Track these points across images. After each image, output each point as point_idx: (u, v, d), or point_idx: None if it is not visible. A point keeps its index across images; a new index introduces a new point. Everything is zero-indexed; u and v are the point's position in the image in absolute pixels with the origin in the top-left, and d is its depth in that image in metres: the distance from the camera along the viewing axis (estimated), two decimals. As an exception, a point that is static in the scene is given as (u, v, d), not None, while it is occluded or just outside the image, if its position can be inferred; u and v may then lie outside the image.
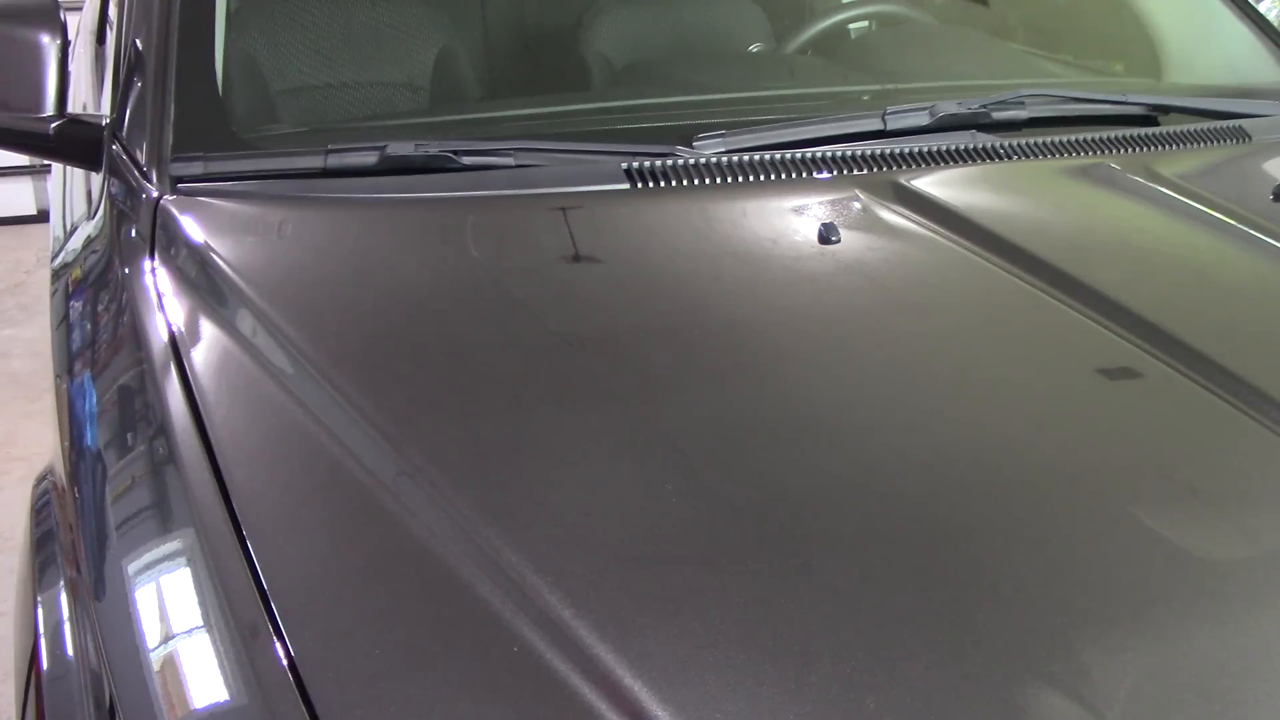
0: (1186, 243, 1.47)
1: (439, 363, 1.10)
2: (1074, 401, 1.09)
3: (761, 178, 1.43)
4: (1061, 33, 2.29)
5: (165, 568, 0.92)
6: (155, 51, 1.45)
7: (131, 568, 0.93)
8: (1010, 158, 1.54)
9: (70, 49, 2.34)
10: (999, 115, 1.60)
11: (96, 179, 1.55)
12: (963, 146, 1.53)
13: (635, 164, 1.40)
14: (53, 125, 1.49)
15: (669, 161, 1.41)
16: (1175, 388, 1.10)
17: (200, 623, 0.85)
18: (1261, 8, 2.44)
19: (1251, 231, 1.43)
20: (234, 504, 0.91)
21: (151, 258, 1.25)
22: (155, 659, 0.85)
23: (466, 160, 1.37)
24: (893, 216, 1.37)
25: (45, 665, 1.00)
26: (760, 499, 0.93)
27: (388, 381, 1.06)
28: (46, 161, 2.37)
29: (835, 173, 1.46)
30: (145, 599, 0.90)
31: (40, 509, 1.27)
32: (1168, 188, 1.52)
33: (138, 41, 1.51)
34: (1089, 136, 1.61)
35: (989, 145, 1.54)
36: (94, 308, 1.34)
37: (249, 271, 1.19)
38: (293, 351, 1.07)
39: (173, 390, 1.06)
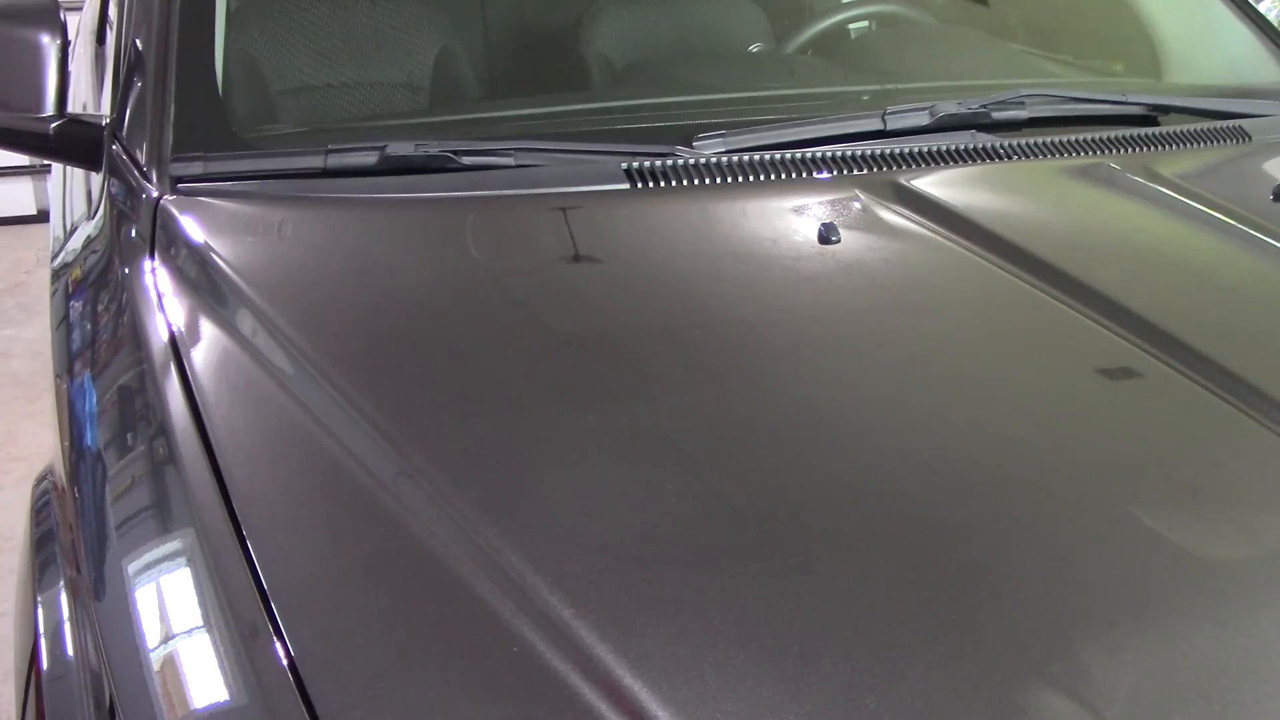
0: (1186, 243, 1.47)
1: (439, 363, 1.10)
2: (1074, 401, 1.09)
3: (761, 178, 1.43)
4: (1061, 33, 2.29)
5: (165, 568, 0.92)
6: (155, 51, 1.45)
7: (131, 568, 0.93)
8: (1010, 158, 1.54)
9: (70, 49, 2.34)
10: (999, 115, 1.60)
11: (96, 179, 1.55)
12: (963, 146, 1.53)
13: (635, 164, 1.40)
14: (53, 125, 1.49)
15: (669, 161, 1.41)
16: (1175, 388, 1.10)
17: (200, 623, 0.85)
18: (1261, 8, 2.44)
19: (1251, 231, 1.43)
20: (234, 504, 0.91)
21: (151, 258, 1.25)
22: (155, 659, 0.85)
23: (466, 160, 1.37)
24: (893, 216, 1.37)
25: (45, 665, 1.00)
26: (760, 499, 0.93)
27: (388, 381, 1.05)
28: (46, 161, 2.37)
29: (835, 173, 1.46)
30: (145, 599, 0.90)
31: (40, 509, 1.27)
32: (1168, 188, 1.52)
33: (138, 41, 1.51)
34: (1089, 136, 1.61)
35: (989, 145, 1.54)
36: (94, 308, 1.34)
37: (249, 271, 1.19)
38: (293, 351, 1.07)
39: (173, 390, 1.06)
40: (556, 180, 1.39)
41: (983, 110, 1.59)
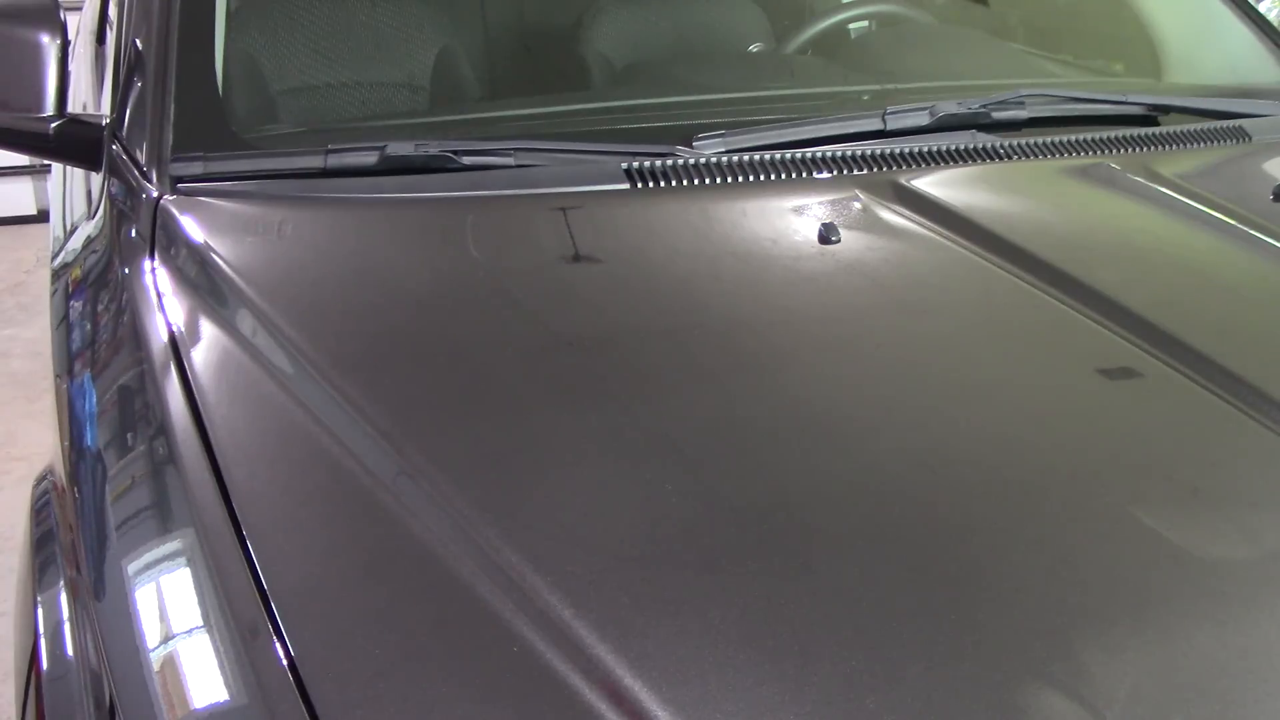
0: (1186, 243, 1.47)
1: (439, 363, 1.10)
2: (1074, 401, 1.09)
3: (761, 178, 1.43)
4: (1061, 33, 2.29)
5: (165, 568, 0.92)
6: (155, 51, 1.45)
7: (131, 568, 0.93)
8: (1010, 158, 1.54)
9: (70, 49, 2.34)
10: (999, 115, 1.60)
11: (96, 179, 1.55)
12: (963, 146, 1.53)
13: (635, 164, 1.40)
14: (53, 125, 1.49)
15: (669, 161, 1.41)
16: (1175, 387, 1.10)
17: (200, 623, 0.85)
18: (1262, 8, 2.44)
19: (1251, 231, 1.43)
20: (234, 504, 0.91)
21: (151, 258, 1.25)
22: (155, 659, 0.85)
23: (466, 160, 1.37)
24: (893, 216, 1.37)
25: (45, 665, 1.00)
26: (760, 499, 0.93)
27: (388, 381, 1.05)
28: (46, 161, 2.37)
29: (835, 173, 1.46)
30: (145, 599, 0.90)
31: (40, 509, 1.27)
32: (1168, 188, 1.52)
33: (138, 41, 1.51)
34: (1089, 136, 1.61)
35: (989, 145, 1.54)
36: (94, 308, 1.34)
37: (249, 271, 1.19)
38: (293, 351, 1.07)
39: (173, 390, 1.06)
40: (556, 180, 1.39)
41: (983, 110, 1.59)
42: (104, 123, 1.54)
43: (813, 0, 2.36)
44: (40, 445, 3.22)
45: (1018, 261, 1.28)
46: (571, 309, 1.20)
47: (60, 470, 1.19)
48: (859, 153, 1.48)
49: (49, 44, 1.48)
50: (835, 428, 1.04)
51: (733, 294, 1.23)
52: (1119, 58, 2.19)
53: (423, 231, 1.33)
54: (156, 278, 1.22)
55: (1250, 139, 1.70)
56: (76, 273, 1.47)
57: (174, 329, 1.14)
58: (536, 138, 1.44)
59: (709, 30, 2.13)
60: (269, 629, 0.81)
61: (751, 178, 1.42)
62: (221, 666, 0.81)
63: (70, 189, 1.85)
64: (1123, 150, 1.61)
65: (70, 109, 1.54)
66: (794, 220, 1.37)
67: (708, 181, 1.40)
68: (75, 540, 1.05)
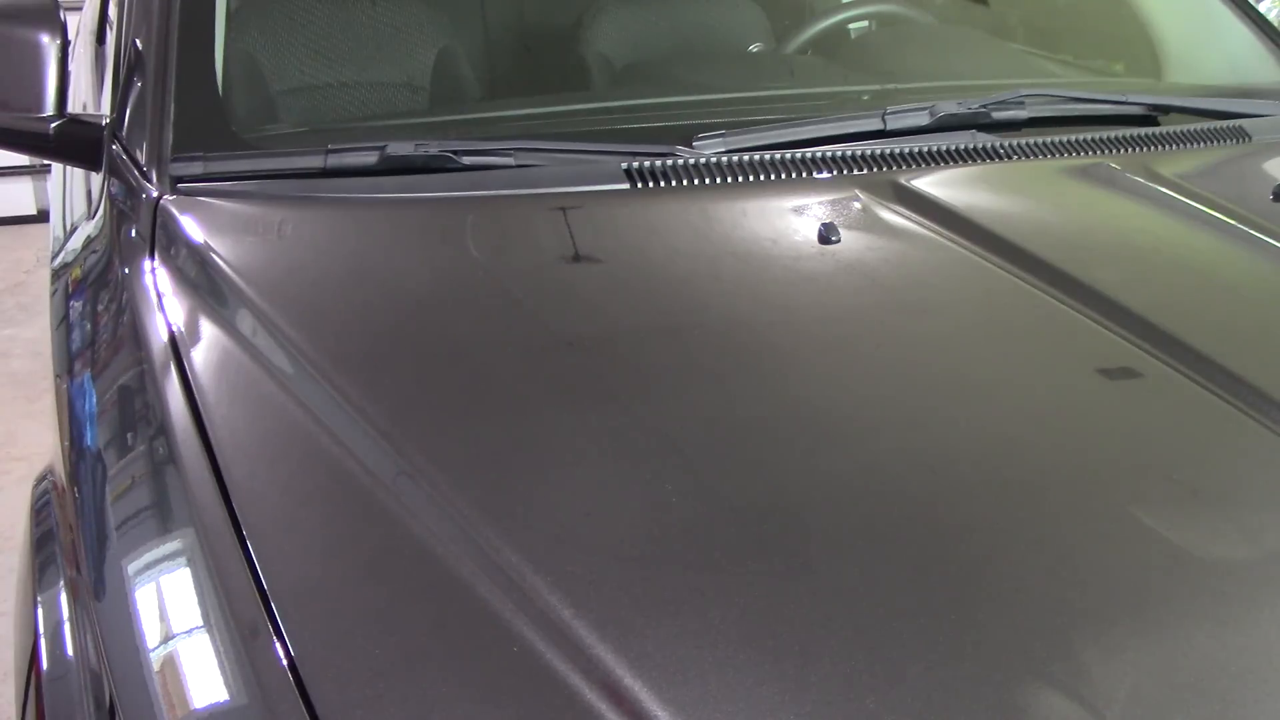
0: (1186, 243, 1.47)
1: (439, 363, 1.10)
2: (1074, 401, 1.09)
3: (761, 178, 1.43)
4: (1061, 33, 2.29)
5: (165, 568, 0.92)
6: (155, 51, 1.45)
7: (131, 568, 0.93)
8: (1010, 158, 1.54)
9: (70, 49, 2.34)
10: (999, 115, 1.60)
11: (96, 179, 1.55)
12: (963, 146, 1.53)
13: (635, 164, 1.40)
14: (53, 125, 1.49)
15: (669, 161, 1.41)
16: (1175, 388, 1.10)
17: (200, 623, 0.85)
18: (1262, 8, 2.44)
19: (1251, 231, 1.43)
20: (234, 504, 0.91)
21: (151, 258, 1.25)
22: (155, 659, 0.85)
23: (466, 160, 1.37)
24: (893, 216, 1.37)
25: (45, 665, 1.00)
26: (760, 499, 0.93)
27: (388, 381, 1.05)
28: (46, 161, 2.37)
29: (835, 173, 1.46)
30: (145, 599, 0.90)
31: (40, 509, 1.27)
32: (1168, 188, 1.52)
33: (138, 41, 1.51)
34: (1089, 136, 1.61)
35: (989, 145, 1.54)
36: (94, 308, 1.34)
37: (249, 271, 1.19)
38: (293, 351, 1.07)
39: (173, 390, 1.06)
40: (556, 180, 1.39)
41: (983, 110, 1.59)
42: (104, 123, 1.54)
43: (813, 0, 2.36)
44: (40, 445, 3.22)
45: (1018, 261, 1.28)
46: (571, 309, 1.20)
47: (60, 470, 1.19)
48: (859, 153, 1.48)
49: (49, 44, 1.48)
50: (835, 428, 1.04)
51: (733, 294, 1.23)
52: (1119, 58, 2.19)
53: (423, 231, 1.33)
54: (156, 278, 1.22)
55: (1250, 139, 1.70)
56: (76, 273, 1.47)
57: (174, 329, 1.14)
58: (536, 138, 1.44)
59: (709, 30, 2.13)
60: (269, 629, 0.81)
61: (751, 178, 1.42)
62: (221, 666, 0.81)
63: (70, 189, 1.85)
64: (1123, 150, 1.61)
65: (70, 109, 1.54)
66: (794, 220, 1.37)
67: (708, 181, 1.40)
68: (75, 540, 1.05)
